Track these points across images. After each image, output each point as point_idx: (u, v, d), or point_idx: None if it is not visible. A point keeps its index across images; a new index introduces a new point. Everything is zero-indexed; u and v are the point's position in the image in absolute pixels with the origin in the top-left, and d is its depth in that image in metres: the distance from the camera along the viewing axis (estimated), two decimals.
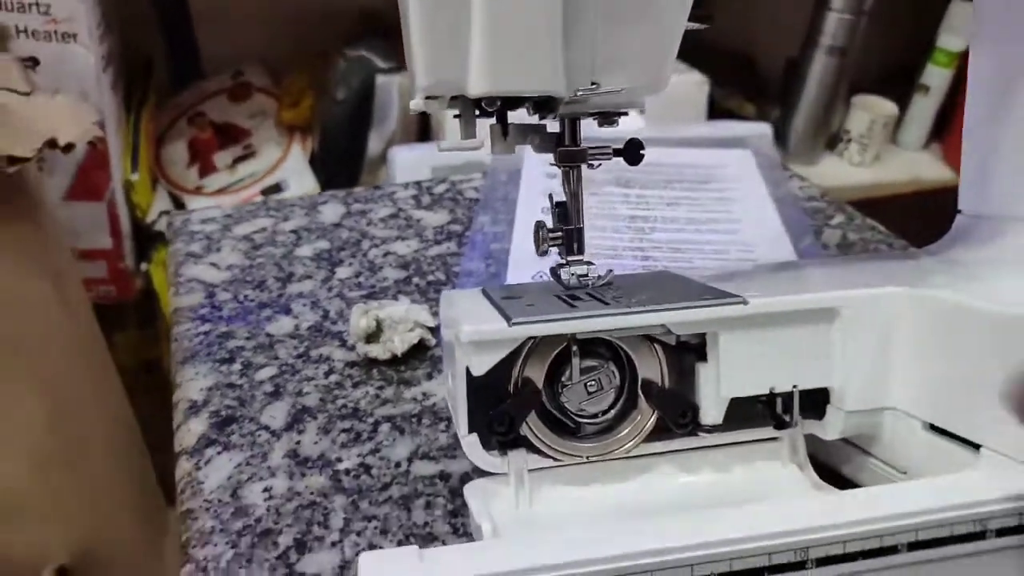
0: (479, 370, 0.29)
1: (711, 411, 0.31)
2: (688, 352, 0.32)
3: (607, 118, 0.32)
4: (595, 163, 0.32)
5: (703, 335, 0.31)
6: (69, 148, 0.75)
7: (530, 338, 0.29)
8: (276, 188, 1.12)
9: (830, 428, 0.33)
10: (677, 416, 0.31)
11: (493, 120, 0.30)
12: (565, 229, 0.32)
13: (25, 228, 0.73)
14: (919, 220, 0.59)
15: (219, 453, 0.38)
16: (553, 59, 0.28)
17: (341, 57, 1.11)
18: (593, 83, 0.29)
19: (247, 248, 0.54)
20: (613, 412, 0.32)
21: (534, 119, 0.32)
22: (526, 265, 0.52)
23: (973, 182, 0.36)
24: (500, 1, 0.27)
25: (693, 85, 1.05)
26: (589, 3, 0.28)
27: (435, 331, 0.45)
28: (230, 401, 0.41)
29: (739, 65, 1.45)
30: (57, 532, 0.69)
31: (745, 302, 0.30)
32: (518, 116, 0.31)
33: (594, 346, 0.31)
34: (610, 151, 0.32)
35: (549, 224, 0.32)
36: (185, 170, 1.16)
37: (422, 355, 0.45)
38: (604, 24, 0.28)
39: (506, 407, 0.30)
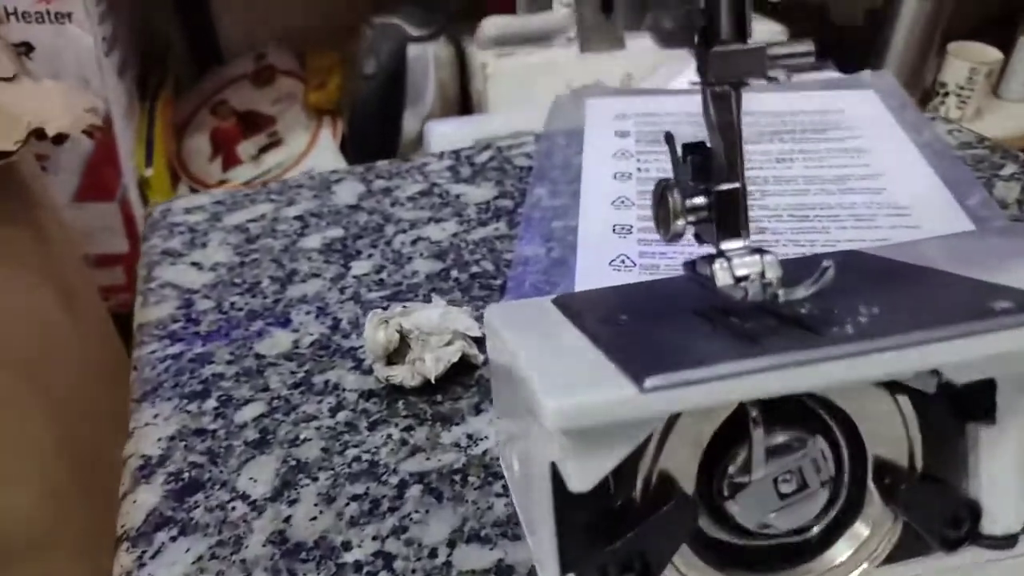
0: (583, 483, 0.16)
1: (1004, 511, 0.18)
2: (955, 408, 0.18)
3: None
4: (778, 76, 0.19)
5: (989, 379, 0.17)
6: (60, 139, 0.65)
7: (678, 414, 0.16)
8: None
9: None
10: (944, 523, 0.17)
11: None
12: (717, 192, 0.19)
13: (21, 235, 0.64)
14: None
15: (173, 539, 0.26)
16: None
17: (369, 26, 0.99)
18: None
19: (239, 241, 0.42)
20: (824, 524, 0.18)
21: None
22: (600, 247, 0.39)
23: None
24: None
25: (771, 35, 0.90)
26: None
27: (482, 343, 0.33)
28: (197, 456, 0.29)
29: (813, 16, 1.31)
30: (77, 564, 0.62)
31: None
32: None
33: (784, 408, 0.17)
34: (812, 53, 0.20)
35: (680, 184, 0.19)
36: (208, 163, 1.06)
37: (466, 378, 0.32)
38: None
39: (635, 538, 0.16)
